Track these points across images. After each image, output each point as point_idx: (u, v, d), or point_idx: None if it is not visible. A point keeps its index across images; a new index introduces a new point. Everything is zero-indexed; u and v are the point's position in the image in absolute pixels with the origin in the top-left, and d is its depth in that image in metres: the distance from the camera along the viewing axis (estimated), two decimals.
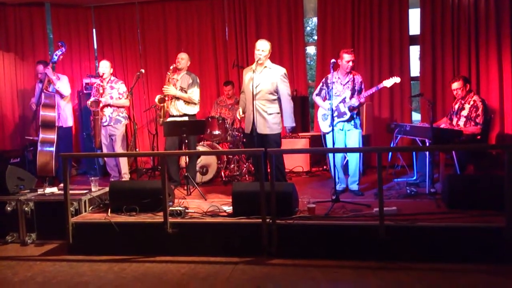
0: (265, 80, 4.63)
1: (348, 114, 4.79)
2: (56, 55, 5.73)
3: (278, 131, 4.74)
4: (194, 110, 5.66)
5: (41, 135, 5.59)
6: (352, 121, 4.85)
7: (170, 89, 5.52)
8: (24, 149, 6.68)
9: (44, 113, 5.60)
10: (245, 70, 4.95)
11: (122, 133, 5.87)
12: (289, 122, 4.75)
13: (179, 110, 5.56)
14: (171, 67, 5.60)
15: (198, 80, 5.71)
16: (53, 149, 5.60)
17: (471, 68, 6.51)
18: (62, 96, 6.01)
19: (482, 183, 3.77)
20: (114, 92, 5.81)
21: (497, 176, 3.91)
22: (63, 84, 6.00)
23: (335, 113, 4.80)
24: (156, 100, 5.57)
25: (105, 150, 5.85)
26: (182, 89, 5.57)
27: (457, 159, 4.74)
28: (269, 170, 4.03)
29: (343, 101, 4.80)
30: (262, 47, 4.62)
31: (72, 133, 6.56)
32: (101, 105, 5.69)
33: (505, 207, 3.21)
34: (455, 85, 5.09)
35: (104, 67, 5.82)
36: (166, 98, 5.56)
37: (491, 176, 4.27)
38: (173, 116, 5.59)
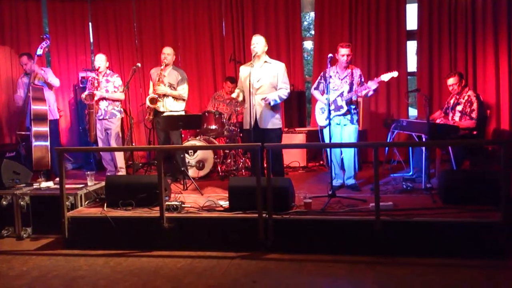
0: (266, 75, 4.64)
1: (345, 108, 4.77)
2: (41, 48, 5.68)
3: (279, 126, 4.76)
4: (181, 106, 5.69)
5: (33, 129, 5.54)
6: (349, 116, 4.82)
7: (161, 88, 5.49)
8: (17, 144, 6.65)
9: (35, 107, 5.54)
10: (242, 67, 4.93)
11: (117, 127, 5.85)
12: (274, 96, 4.58)
13: (167, 107, 5.55)
14: (162, 66, 5.55)
15: (186, 76, 5.70)
16: (47, 142, 5.57)
17: (467, 64, 6.51)
18: (51, 87, 5.99)
19: (478, 179, 3.78)
20: (109, 86, 5.78)
21: (492, 172, 3.93)
22: (53, 76, 6.00)
23: (332, 107, 4.79)
24: (148, 102, 5.51)
25: (100, 144, 5.83)
26: (170, 85, 5.56)
27: (453, 154, 4.75)
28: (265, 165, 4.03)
29: (341, 95, 4.79)
30: (256, 40, 4.63)
31: (58, 126, 6.54)
32: (95, 98, 5.66)
33: (500, 202, 3.22)
34: (451, 81, 5.11)
35: (100, 60, 5.78)
36: (160, 99, 5.51)
37: (486, 171, 4.29)
38: (160, 112, 5.57)
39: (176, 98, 5.60)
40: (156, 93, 5.50)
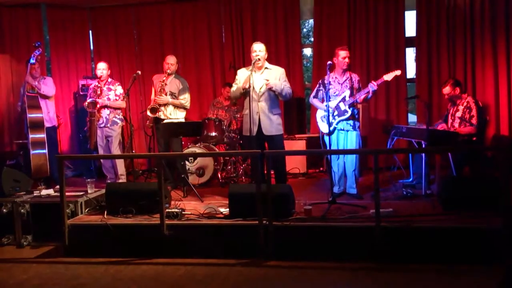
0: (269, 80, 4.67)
1: (349, 111, 4.71)
2: (33, 57, 5.69)
3: (281, 132, 4.81)
4: (182, 114, 5.72)
5: (30, 136, 5.54)
6: (352, 121, 4.77)
7: (162, 99, 5.53)
8: (17, 152, 6.66)
9: (31, 115, 5.56)
10: (240, 71, 4.95)
11: (118, 135, 5.86)
12: (278, 84, 4.64)
13: (168, 115, 5.57)
14: (164, 76, 5.59)
15: (187, 85, 5.73)
16: (45, 149, 5.58)
17: (466, 70, 6.53)
18: (47, 98, 6.00)
19: (478, 185, 3.79)
20: (111, 94, 5.81)
21: (492, 178, 3.94)
22: (47, 88, 5.98)
23: (335, 112, 4.77)
24: (149, 112, 5.54)
25: (101, 152, 5.84)
26: (171, 93, 5.59)
27: (453, 160, 4.76)
28: (265, 172, 4.03)
29: (343, 99, 4.76)
30: (259, 48, 4.67)
31: (57, 133, 6.55)
32: (98, 106, 5.69)
33: (500, 208, 3.23)
34: (445, 90, 5.14)
35: (102, 69, 5.81)
36: (160, 109, 5.53)
37: (486, 177, 4.30)
38: (161, 120, 5.58)
39: (177, 106, 5.62)
40: (157, 103, 5.53)
